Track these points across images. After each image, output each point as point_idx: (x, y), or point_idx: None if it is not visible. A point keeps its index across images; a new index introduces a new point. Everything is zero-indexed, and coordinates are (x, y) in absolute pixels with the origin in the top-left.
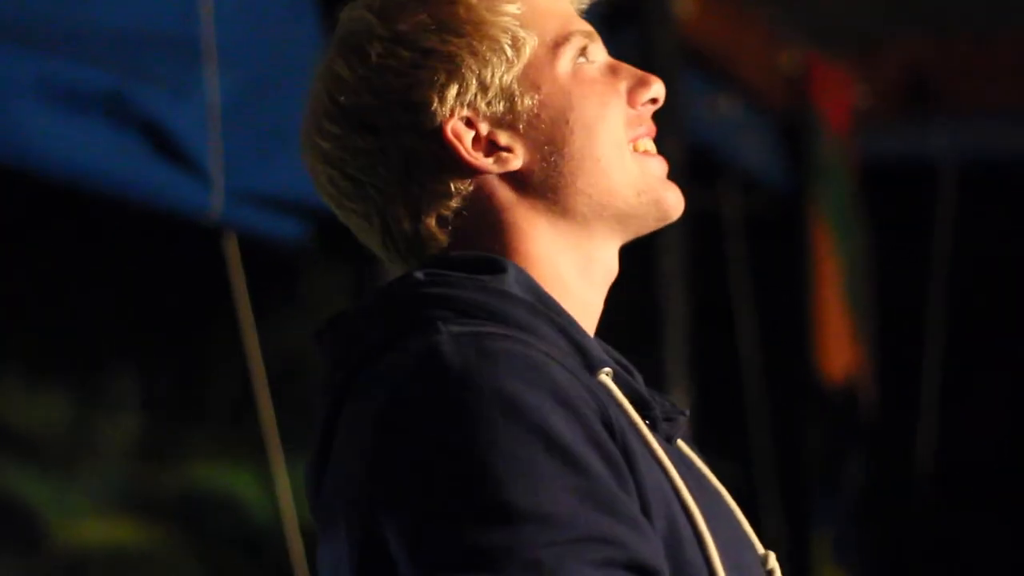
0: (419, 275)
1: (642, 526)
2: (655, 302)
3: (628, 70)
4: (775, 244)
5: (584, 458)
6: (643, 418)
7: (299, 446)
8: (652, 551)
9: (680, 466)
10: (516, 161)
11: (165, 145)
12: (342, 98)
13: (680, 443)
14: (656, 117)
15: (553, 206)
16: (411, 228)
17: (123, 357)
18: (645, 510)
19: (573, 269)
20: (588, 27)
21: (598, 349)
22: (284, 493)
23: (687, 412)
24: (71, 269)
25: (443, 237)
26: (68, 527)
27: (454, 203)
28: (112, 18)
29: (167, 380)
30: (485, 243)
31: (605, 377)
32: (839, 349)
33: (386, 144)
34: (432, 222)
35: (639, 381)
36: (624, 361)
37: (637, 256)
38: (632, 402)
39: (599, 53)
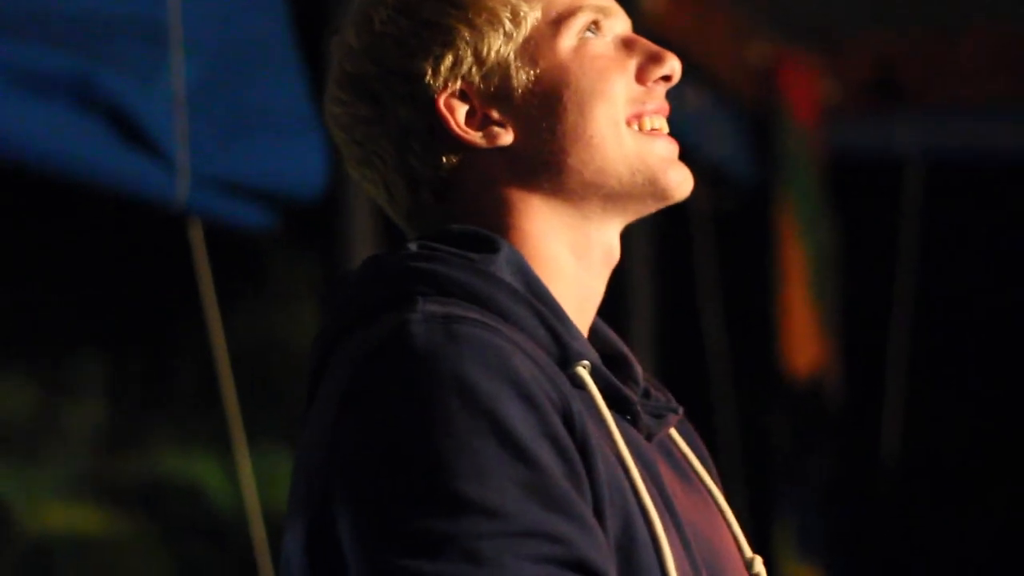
0: (412, 247)
1: (590, 525)
2: (621, 294)
3: (642, 45)
4: (742, 237)
5: (537, 452)
6: (623, 413)
7: (264, 434)
8: (598, 551)
9: (657, 464)
10: (507, 136)
11: (130, 131)
12: (348, 65)
13: (677, 439)
14: None
15: (546, 184)
16: (410, 199)
17: (87, 344)
18: (599, 508)
19: (568, 250)
20: (605, 0)
21: (580, 340)
22: (248, 481)
23: (679, 410)
24: (34, 255)
25: (439, 210)
26: (32, 515)
27: (447, 176)
28: (77, 2)
29: (132, 368)
30: (481, 219)
31: (581, 370)
32: (805, 342)
33: (386, 113)
34: (428, 194)
35: (635, 373)
36: (622, 350)
37: None
38: (608, 397)
39: (616, 27)
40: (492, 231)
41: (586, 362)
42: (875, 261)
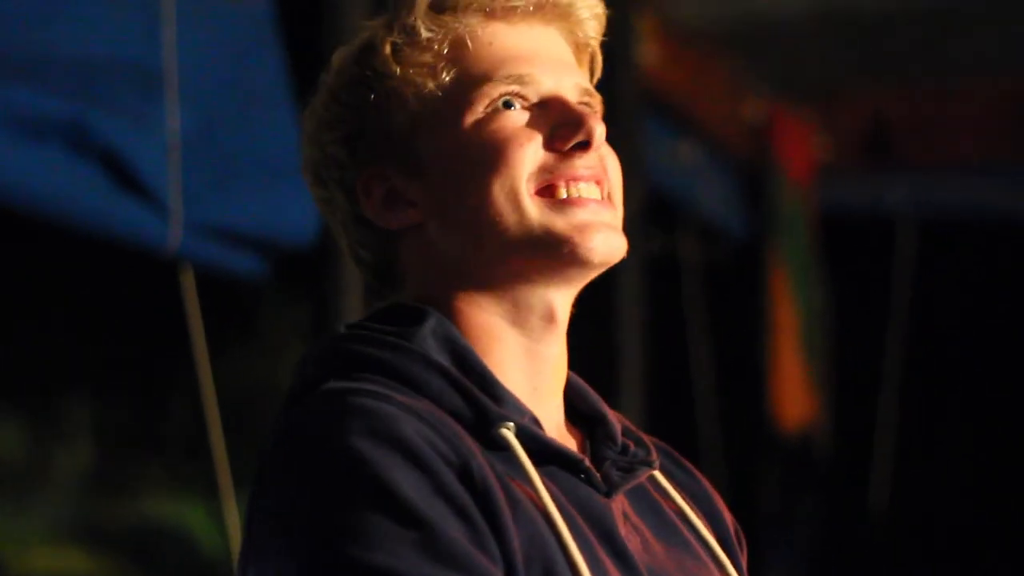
0: (342, 329)
1: None
2: (612, 347)
3: (560, 112)
4: (733, 292)
5: (428, 513)
6: (573, 472)
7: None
8: None
9: (614, 520)
10: (417, 215)
11: (124, 176)
12: (304, 148)
13: (671, 492)
14: (619, 163)
15: (457, 258)
16: (360, 270)
17: (77, 388)
18: (510, 561)
19: (502, 318)
20: (528, 68)
21: (508, 403)
22: (234, 527)
23: (655, 463)
24: (27, 298)
25: (383, 290)
26: (20, 559)
27: (381, 260)
28: (74, 46)
29: (121, 413)
30: (419, 295)
31: (505, 432)
32: (795, 397)
33: (331, 198)
34: (370, 276)
35: (611, 431)
36: (599, 409)
37: (594, 300)
38: (546, 457)
39: (543, 88)
40: (425, 300)
41: (509, 424)
42: (866, 317)
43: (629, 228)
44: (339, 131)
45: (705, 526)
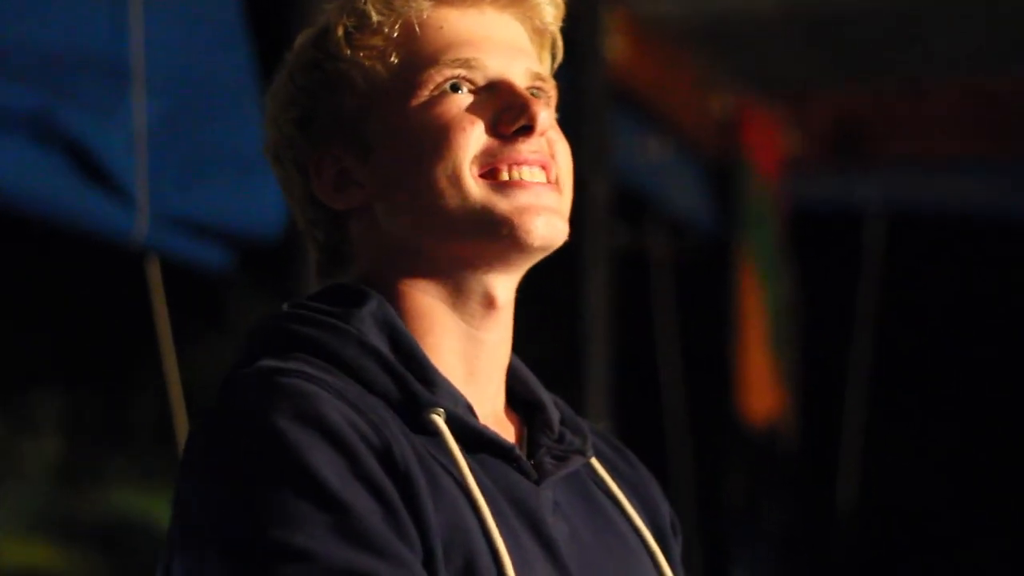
0: (284, 307)
1: (406, 561)
2: (579, 341)
3: (504, 97)
4: (701, 287)
5: (345, 495)
6: (504, 459)
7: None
8: None
9: (541, 507)
10: (365, 196)
11: (90, 167)
12: (266, 127)
13: (608, 481)
14: (586, 157)
15: (401, 240)
16: (312, 250)
17: (44, 380)
18: (428, 546)
19: (442, 301)
20: (475, 53)
21: (440, 389)
22: None
23: (588, 453)
24: None
25: (334, 269)
26: None
27: (331, 239)
28: (40, 37)
29: (89, 404)
30: (364, 276)
31: (435, 417)
32: (762, 392)
33: (286, 176)
34: (323, 255)
35: (549, 419)
36: (538, 397)
37: (561, 295)
38: (476, 444)
39: (491, 72)
40: (370, 281)
41: (439, 409)
42: (835, 313)
43: (596, 223)
44: (293, 112)
45: (640, 515)
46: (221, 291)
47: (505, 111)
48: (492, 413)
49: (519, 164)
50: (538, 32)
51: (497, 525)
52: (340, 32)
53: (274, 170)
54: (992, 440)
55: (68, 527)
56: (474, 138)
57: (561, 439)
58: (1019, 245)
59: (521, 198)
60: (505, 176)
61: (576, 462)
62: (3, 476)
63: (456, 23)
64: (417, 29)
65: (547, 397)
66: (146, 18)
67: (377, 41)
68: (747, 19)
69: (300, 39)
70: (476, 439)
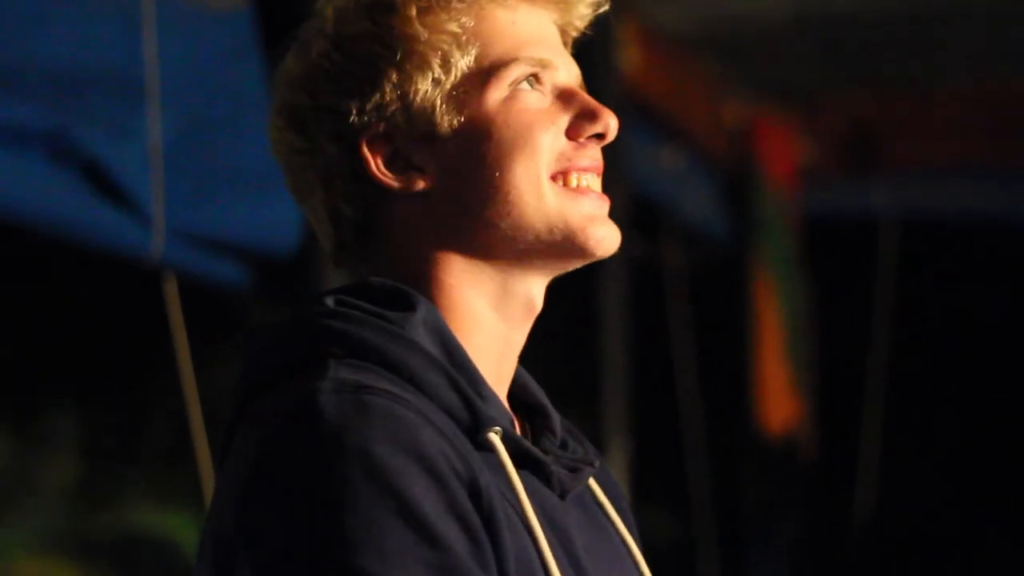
0: (329, 302)
1: None
2: (595, 353)
3: (580, 101)
4: (717, 297)
5: (442, 531)
6: (536, 473)
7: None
8: None
9: (569, 526)
10: (425, 183)
11: (106, 185)
12: (285, 93)
13: (595, 488)
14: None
15: (463, 235)
16: (334, 233)
17: (61, 398)
18: None
19: (487, 302)
20: (548, 53)
21: (493, 403)
22: None
23: (596, 463)
24: (8, 308)
25: (360, 249)
26: (5, 571)
27: (366, 217)
28: (55, 56)
29: (106, 422)
30: (401, 265)
31: (492, 436)
32: (779, 402)
33: (314, 147)
34: (349, 233)
35: (553, 424)
36: (541, 401)
37: (577, 306)
38: (520, 461)
39: (559, 77)
40: (411, 280)
41: (497, 428)
42: (850, 321)
43: None
44: (346, 83)
45: (623, 521)
46: (237, 308)
47: (582, 116)
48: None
49: (586, 171)
50: (566, 37)
51: (552, 553)
52: (412, 11)
53: (283, 135)
54: (1012, 448)
55: (85, 547)
56: (552, 139)
57: (564, 445)
58: None
59: (588, 207)
60: (575, 182)
61: (587, 473)
62: (19, 495)
63: (526, 20)
64: (493, 22)
65: (547, 400)
66: (159, 35)
67: (454, 27)
68: (758, 29)
69: (340, 8)
70: (523, 456)
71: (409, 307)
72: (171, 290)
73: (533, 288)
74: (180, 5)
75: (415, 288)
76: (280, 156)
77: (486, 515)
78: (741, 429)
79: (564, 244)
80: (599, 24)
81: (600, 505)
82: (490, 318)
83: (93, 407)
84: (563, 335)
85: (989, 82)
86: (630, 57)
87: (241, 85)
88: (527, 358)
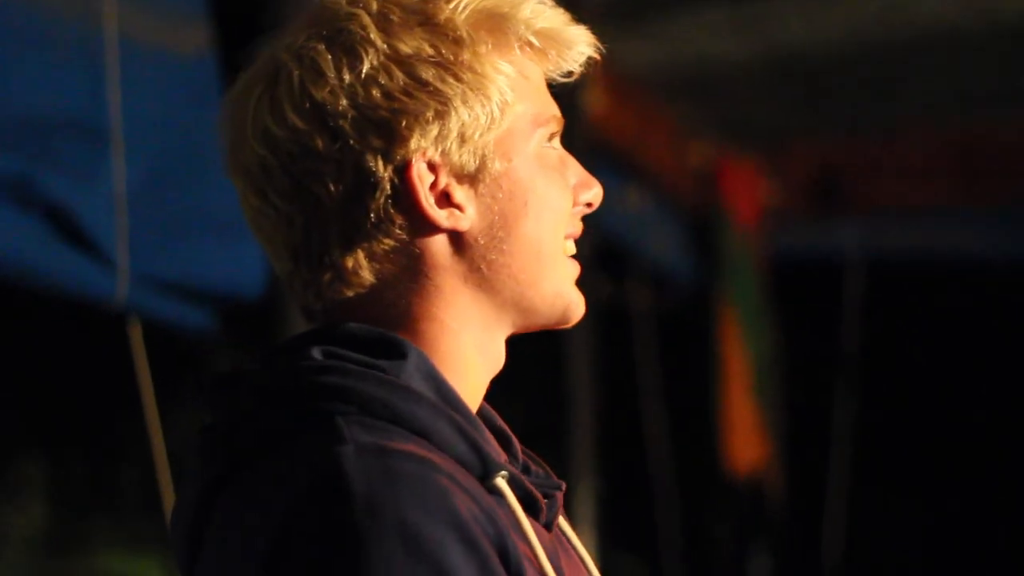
0: (316, 355)
1: None
2: (562, 395)
3: (576, 167)
4: (684, 338)
5: None
6: (534, 514)
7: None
8: None
9: (561, 562)
10: (464, 222)
11: (70, 230)
12: (317, 94)
13: (561, 520)
14: None
15: (482, 279)
16: (336, 253)
17: (27, 446)
18: None
19: (475, 348)
20: (559, 114)
21: (493, 447)
22: None
23: (562, 485)
24: None
25: (366, 273)
26: None
27: (391, 241)
28: (18, 102)
29: (73, 469)
30: (403, 296)
31: (501, 481)
32: (746, 443)
33: (345, 157)
34: (362, 254)
35: (515, 449)
36: (502, 426)
37: (545, 348)
38: (524, 504)
39: (558, 143)
40: (403, 314)
41: (504, 472)
42: (817, 362)
43: (579, 277)
44: (404, 103)
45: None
46: (204, 353)
47: (584, 184)
48: None
49: (574, 236)
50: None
51: None
52: (483, 48)
53: (301, 134)
54: (979, 488)
55: None
56: (570, 202)
57: (527, 470)
58: (999, 290)
59: (575, 274)
60: (569, 249)
61: (559, 500)
62: None
63: (537, 70)
64: (525, 67)
65: (506, 424)
66: (123, 80)
67: (508, 69)
68: (724, 71)
69: (392, 26)
70: (525, 496)
71: (400, 355)
72: (136, 335)
73: (503, 341)
74: (144, 50)
75: (406, 328)
76: (282, 157)
77: (513, 574)
78: (709, 470)
79: (557, 309)
80: None
81: (563, 532)
82: (476, 364)
83: (60, 454)
84: (530, 377)
85: (952, 125)
86: (596, 98)
87: (205, 130)
88: (495, 400)
